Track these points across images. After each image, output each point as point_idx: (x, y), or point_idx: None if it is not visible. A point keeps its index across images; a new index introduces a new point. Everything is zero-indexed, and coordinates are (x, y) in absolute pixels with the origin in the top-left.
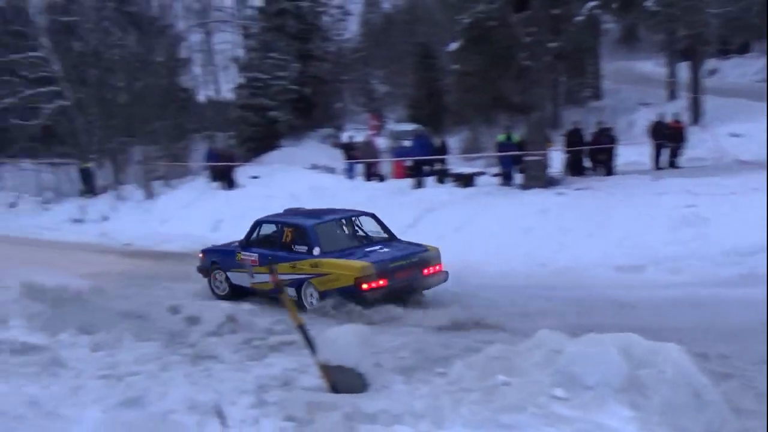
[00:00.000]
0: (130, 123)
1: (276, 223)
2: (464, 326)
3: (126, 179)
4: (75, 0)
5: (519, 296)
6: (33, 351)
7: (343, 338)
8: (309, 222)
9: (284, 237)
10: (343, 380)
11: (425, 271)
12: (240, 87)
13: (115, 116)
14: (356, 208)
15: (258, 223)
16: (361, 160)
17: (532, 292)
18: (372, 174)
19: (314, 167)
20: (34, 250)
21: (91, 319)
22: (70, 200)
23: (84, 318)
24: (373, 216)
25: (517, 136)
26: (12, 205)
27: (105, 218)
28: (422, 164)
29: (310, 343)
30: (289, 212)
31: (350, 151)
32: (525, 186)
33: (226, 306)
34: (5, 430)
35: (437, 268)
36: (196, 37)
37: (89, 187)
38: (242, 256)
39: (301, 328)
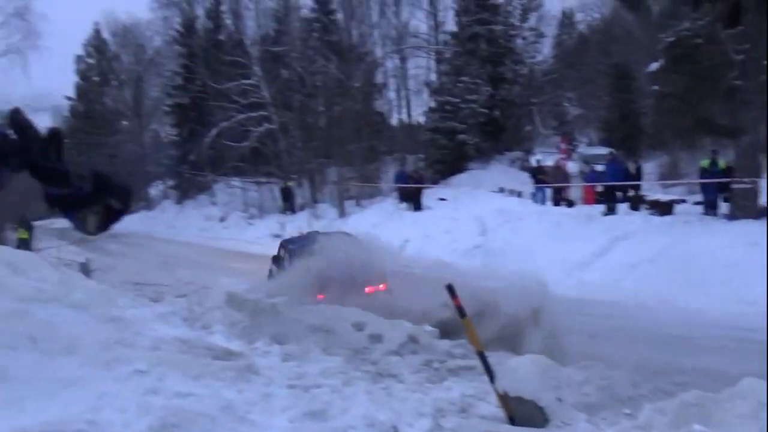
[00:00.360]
0: (328, 145)
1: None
2: (656, 365)
3: (322, 198)
4: (284, 32)
5: (720, 337)
6: (231, 357)
7: (524, 369)
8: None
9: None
10: (523, 412)
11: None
12: (431, 110)
13: (315, 139)
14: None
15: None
16: (550, 184)
17: (736, 334)
18: (561, 199)
19: (501, 190)
20: (239, 261)
21: (284, 330)
22: (272, 216)
23: (277, 329)
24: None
25: (723, 162)
26: (222, 219)
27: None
28: (615, 190)
29: (489, 371)
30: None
31: (539, 174)
32: (731, 216)
33: (408, 326)
34: (202, 431)
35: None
36: (391, 63)
37: (289, 205)
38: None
39: (481, 355)
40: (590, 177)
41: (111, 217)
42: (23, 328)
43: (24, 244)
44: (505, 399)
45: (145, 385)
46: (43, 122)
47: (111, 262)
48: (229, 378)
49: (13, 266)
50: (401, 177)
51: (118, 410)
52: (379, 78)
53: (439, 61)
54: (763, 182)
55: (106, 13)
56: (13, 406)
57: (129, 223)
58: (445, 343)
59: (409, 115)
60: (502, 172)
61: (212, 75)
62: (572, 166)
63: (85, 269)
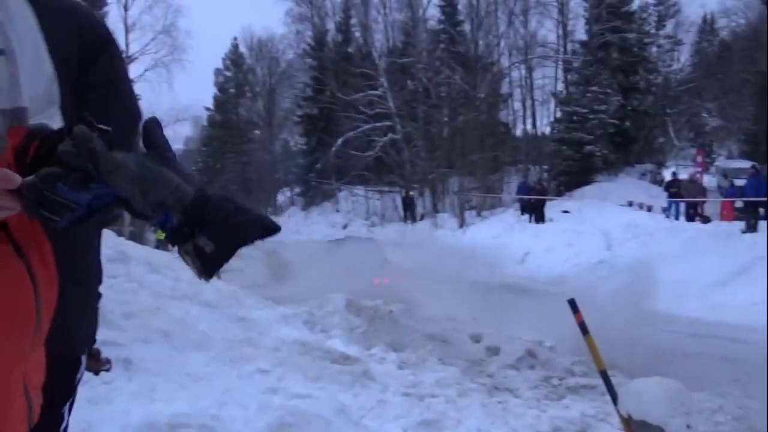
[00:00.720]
0: (451, 155)
1: None
2: None
3: (443, 208)
4: (411, 43)
5: None
6: (348, 361)
7: (651, 391)
8: None
9: None
10: None
11: None
12: (557, 121)
13: (438, 149)
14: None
15: None
16: (685, 198)
17: None
18: (696, 214)
19: (630, 204)
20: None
21: (400, 338)
22: (393, 225)
23: (394, 336)
24: None
25: None
26: (345, 227)
27: (421, 243)
28: (757, 206)
29: (612, 391)
30: None
31: (672, 188)
32: None
33: (527, 339)
34: None
35: None
36: (517, 73)
37: (410, 214)
38: None
39: (604, 374)
40: (729, 192)
41: (206, 261)
42: (158, 324)
43: (162, 245)
44: (628, 422)
45: (266, 384)
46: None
47: (239, 264)
48: (346, 382)
49: (152, 265)
50: (524, 188)
51: (240, 407)
52: (504, 88)
53: (567, 71)
54: None
55: (244, 29)
56: (145, 397)
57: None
58: (565, 360)
59: (534, 126)
60: (631, 185)
61: (340, 86)
62: (709, 180)
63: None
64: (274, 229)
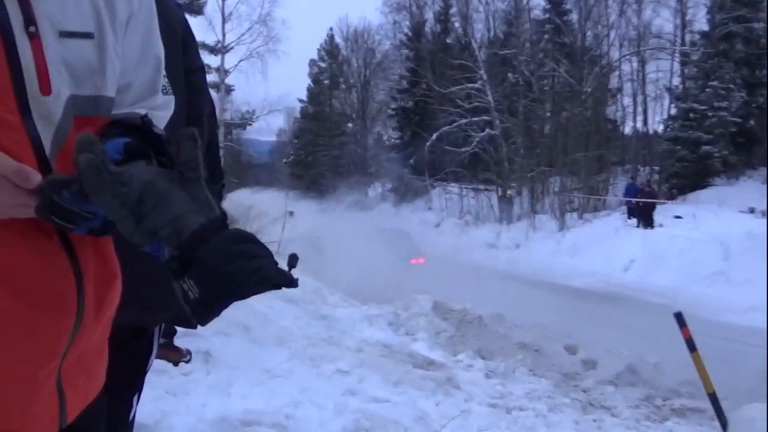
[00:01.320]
0: (552, 153)
1: None
2: None
3: (541, 209)
4: (514, 34)
5: None
6: (432, 367)
7: (764, 419)
8: None
9: None
10: None
11: None
12: (671, 118)
13: (539, 146)
14: None
15: None
16: None
17: None
18: None
19: (751, 211)
20: (450, 270)
21: (489, 345)
22: (487, 225)
23: (482, 342)
24: None
25: None
26: (437, 225)
27: (517, 246)
28: None
29: (721, 417)
30: None
31: None
32: None
33: (628, 354)
34: None
35: None
36: (628, 66)
37: (506, 214)
38: None
39: (713, 398)
40: None
41: (193, 307)
42: (240, 317)
43: None
44: None
45: (345, 385)
46: (276, 123)
47: (322, 260)
48: (428, 388)
49: None
50: (631, 190)
51: (317, 407)
52: (613, 82)
53: (684, 64)
54: None
55: (341, 20)
56: (222, 391)
57: (347, 222)
58: (671, 379)
59: (645, 123)
60: (754, 190)
61: (437, 78)
62: None
63: (292, 261)
64: (282, 283)
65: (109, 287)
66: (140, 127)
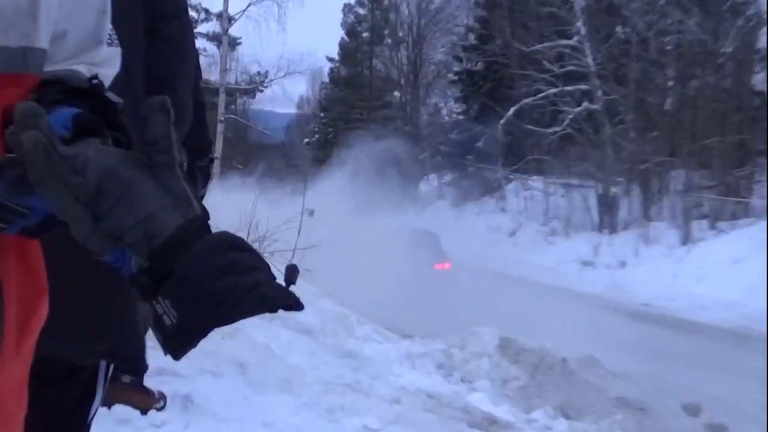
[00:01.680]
0: (675, 137)
1: None
2: None
3: (657, 214)
4: None
5: None
6: (496, 427)
7: None
8: None
9: None
10: None
11: None
12: None
13: (657, 127)
14: None
15: None
16: None
17: None
18: None
19: None
20: (526, 294)
21: (576, 400)
22: (583, 235)
23: (566, 396)
24: None
25: None
26: (512, 233)
27: (622, 264)
28: None
29: None
30: None
31: None
32: None
33: None
34: None
35: None
36: None
37: (608, 220)
38: None
39: None
40: None
41: (168, 335)
42: (233, 351)
43: None
44: None
45: None
46: (297, 90)
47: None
48: None
49: None
50: None
51: None
52: (763, 41)
53: None
54: None
55: None
56: None
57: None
58: None
59: None
60: None
61: (517, 33)
62: None
63: (291, 274)
64: (283, 304)
65: (35, 306)
66: (86, 91)
